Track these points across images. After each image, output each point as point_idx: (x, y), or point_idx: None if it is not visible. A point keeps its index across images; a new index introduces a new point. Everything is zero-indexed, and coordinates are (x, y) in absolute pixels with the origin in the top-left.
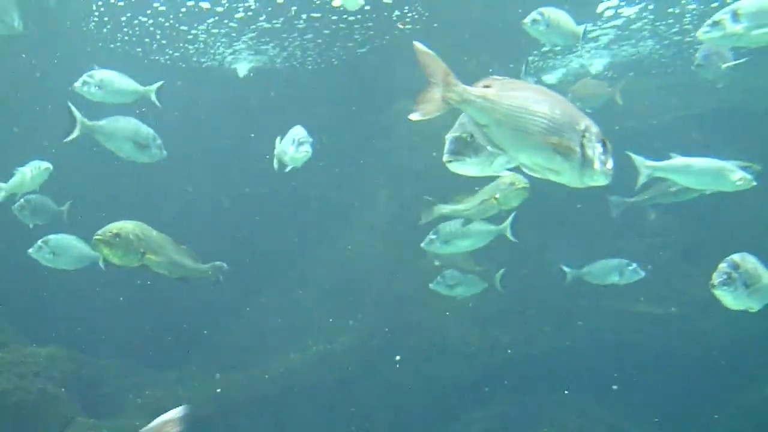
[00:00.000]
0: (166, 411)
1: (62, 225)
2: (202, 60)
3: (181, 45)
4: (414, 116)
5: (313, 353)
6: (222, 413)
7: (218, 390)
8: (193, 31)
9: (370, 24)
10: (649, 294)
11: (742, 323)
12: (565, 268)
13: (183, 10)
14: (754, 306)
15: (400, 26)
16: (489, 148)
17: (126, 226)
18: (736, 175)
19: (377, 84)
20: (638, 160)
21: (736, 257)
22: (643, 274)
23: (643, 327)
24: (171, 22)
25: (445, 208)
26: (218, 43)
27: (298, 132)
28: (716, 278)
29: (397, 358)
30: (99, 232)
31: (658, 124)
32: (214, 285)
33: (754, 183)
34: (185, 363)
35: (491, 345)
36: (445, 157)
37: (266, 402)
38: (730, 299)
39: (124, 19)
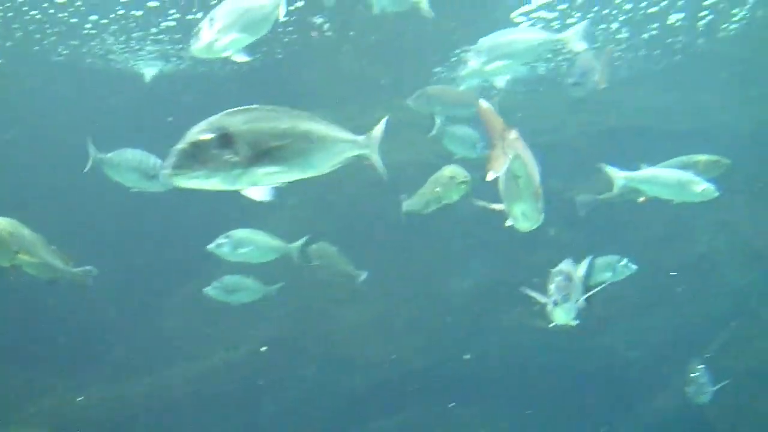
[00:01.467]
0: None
1: None
2: (97, 60)
3: (73, 42)
4: (490, 177)
5: (216, 360)
6: (123, 420)
7: (118, 397)
8: (87, 26)
9: (291, 28)
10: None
11: (640, 337)
12: None
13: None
14: (571, 319)
15: (313, 34)
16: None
17: None
18: (700, 187)
19: (290, 90)
20: (612, 171)
21: (564, 268)
22: (635, 268)
23: (547, 341)
24: (63, 15)
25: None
26: (119, 41)
27: None
28: (557, 293)
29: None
30: None
31: (563, 139)
32: (80, 289)
33: (717, 194)
34: (84, 370)
35: (396, 355)
36: (166, 171)
37: (168, 408)
38: (563, 315)
39: (11, 15)
